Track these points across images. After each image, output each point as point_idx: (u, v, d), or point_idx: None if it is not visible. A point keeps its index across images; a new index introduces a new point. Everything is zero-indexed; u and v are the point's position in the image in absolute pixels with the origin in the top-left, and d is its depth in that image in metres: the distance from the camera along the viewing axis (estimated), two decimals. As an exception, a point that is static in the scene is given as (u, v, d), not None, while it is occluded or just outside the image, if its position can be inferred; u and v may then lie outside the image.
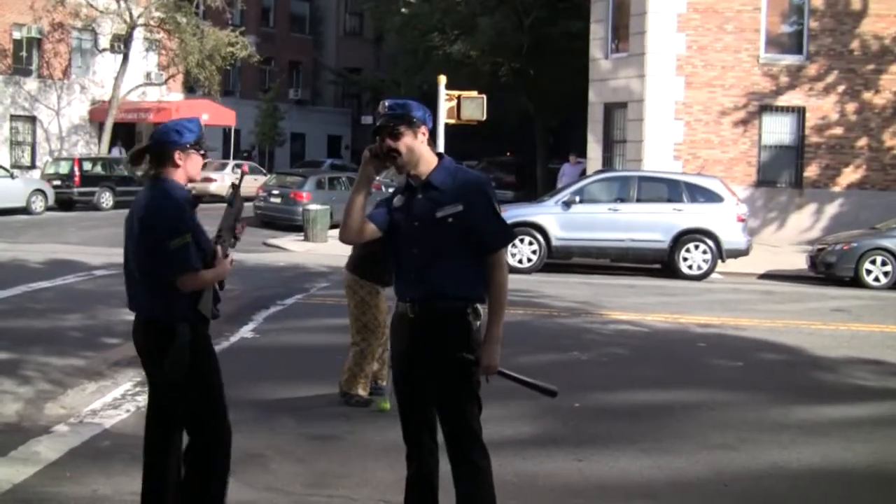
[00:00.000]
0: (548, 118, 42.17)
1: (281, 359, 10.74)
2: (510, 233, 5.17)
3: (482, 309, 4.97)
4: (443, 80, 22.99)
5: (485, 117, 23.72)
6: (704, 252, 20.41)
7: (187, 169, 5.31)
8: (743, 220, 20.94)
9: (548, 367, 10.26)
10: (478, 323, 4.95)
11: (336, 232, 23.73)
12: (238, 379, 9.55)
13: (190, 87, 46.12)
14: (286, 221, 28.52)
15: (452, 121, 23.32)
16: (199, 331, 5.26)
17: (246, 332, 12.15)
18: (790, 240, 27.41)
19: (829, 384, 10.41)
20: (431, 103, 48.32)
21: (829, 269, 20.37)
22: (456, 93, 23.30)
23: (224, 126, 44.73)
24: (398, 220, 5.07)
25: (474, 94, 23.64)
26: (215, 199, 37.80)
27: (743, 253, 20.84)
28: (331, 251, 23.02)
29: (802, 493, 7.08)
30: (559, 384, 5.35)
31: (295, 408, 8.69)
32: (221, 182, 38.98)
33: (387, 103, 5.07)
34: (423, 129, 5.03)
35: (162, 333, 5.15)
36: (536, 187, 40.98)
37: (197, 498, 5.31)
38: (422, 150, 5.02)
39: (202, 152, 5.40)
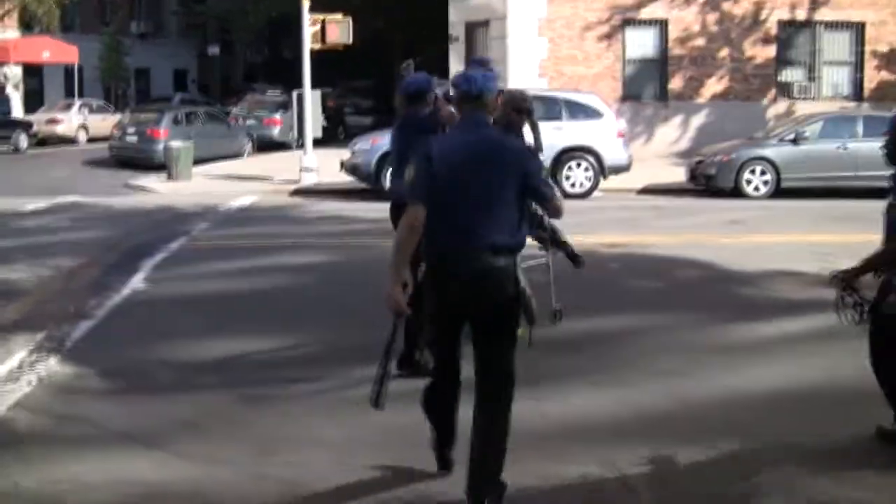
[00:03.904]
0: (403, 40, 41.37)
1: (185, 311, 9.89)
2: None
3: None
4: (307, 3, 22.11)
5: (351, 40, 22.97)
6: (587, 169, 20.15)
7: None
8: (623, 136, 20.76)
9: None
10: None
11: (203, 168, 22.76)
12: (144, 336, 8.86)
13: (27, 24, 43.63)
14: (144, 161, 27.23)
15: (318, 46, 22.48)
16: None
17: (137, 282, 11.26)
18: (658, 153, 27.40)
19: (756, 299, 10.19)
20: (287, 29, 47.30)
21: (709, 181, 20.36)
22: (320, 16, 22.44)
23: (66, 63, 42.59)
24: None
25: (339, 16, 22.82)
26: (63, 140, 36.17)
27: (625, 168, 20.66)
28: (198, 189, 22.08)
29: (770, 416, 6.79)
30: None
31: (217, 366, 7.95)
32: (68, 123, 37.31)
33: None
34: None
35: None
36: (394, 112, 40.32)
37: None
38: None
39: None
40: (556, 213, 5.50)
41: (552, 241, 8.95)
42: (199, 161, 24.96)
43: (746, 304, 9.88)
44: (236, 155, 29.88)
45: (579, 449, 6.14)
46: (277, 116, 33.79)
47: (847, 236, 14.36)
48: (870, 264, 5.93)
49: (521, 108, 8.43)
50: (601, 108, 20.72)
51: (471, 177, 5.12)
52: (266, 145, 32.16)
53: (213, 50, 50.91)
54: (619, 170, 20.57)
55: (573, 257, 9.43)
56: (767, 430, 6.52)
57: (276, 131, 33.43)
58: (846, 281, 5.94)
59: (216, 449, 6.16)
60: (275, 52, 57.91)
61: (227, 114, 33.58)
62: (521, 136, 8.16)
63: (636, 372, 7.78)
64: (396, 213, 6.92)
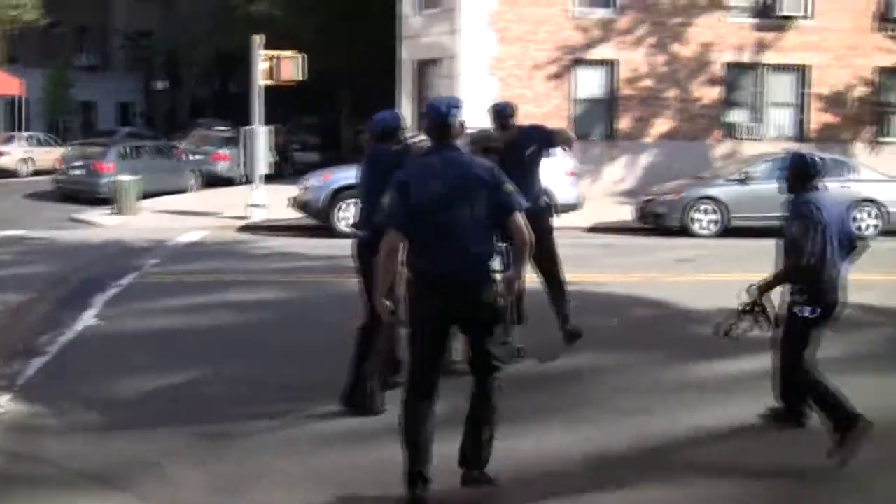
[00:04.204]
0: (352, 78, 41.33)
1: (139, 347, 9.73)
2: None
3: None
4: (257, 39, 22.06)
5: (305, 77, 22.93)
6: (537, 208, 20.15)
7: None
8: (574, 175, 20.84)
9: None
10: None
11: (149, 202, 22.41)
12: (99, 373, 8.71)
13: (-30, 56, 43.24)
14: (90, 194, 26.86)
15: (270, 82, 22.42)
16: None
17: (89, 318, 11.09)
18: (606, 191, 27.56)
19: (711, 338, 10.13)
20: (235, 64, 46.78)
21: (658, 220, 20.51)
22: (273, 52, 22.39)
23: (11, 95, 42.11)
24: None
25: (291, 53, 22.78)
26: (5, 173, 35.68)
27: (574, 207, 20.71)
28: (145, 224, 21.82)
29: (732, 454, 6.84)
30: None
31: (174, 403, 7.85)
32: (11, 155, 36.89)
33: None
34: None
35: None
36: (341, 148, 40.30)
37: None
38: None
39: None
40: (522, 241, 5.81)
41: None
42: (145, 195, 24.73)
43: (703, 343, 9.85)
44: (183, 190, 29.63)
45: (550, 489, 6.13)
46: (225, 152, 33.53)
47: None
48: (776, 280, 7.17)
49: (489, 147, 8.52)
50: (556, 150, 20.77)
51: (452, 198, 5.71)
52: (213, 181, 31.91)
53: (161, 84, 50.56)
54: (569, 208, 20.58)
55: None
56: (737, 467, 6.56)
57: (223, 167, 33.20)
58: (760, 294, 7.15)
59: (176, 489, 6.06)
60: (222, 87, 57.72)
61: (174, 148, 33.30)
62: None
63: (600, 410, 7.81)
64: (366, 252, 7.00)
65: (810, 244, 6.89)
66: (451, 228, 5.72)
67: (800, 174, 7.27)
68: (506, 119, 9.11)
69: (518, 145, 9.00)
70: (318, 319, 11.21)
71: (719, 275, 14.56)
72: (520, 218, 5.80)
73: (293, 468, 6.40)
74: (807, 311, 6.99)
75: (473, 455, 5.97)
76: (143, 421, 7.37)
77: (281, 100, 38.21)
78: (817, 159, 7.42)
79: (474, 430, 5.96)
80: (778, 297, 7.18)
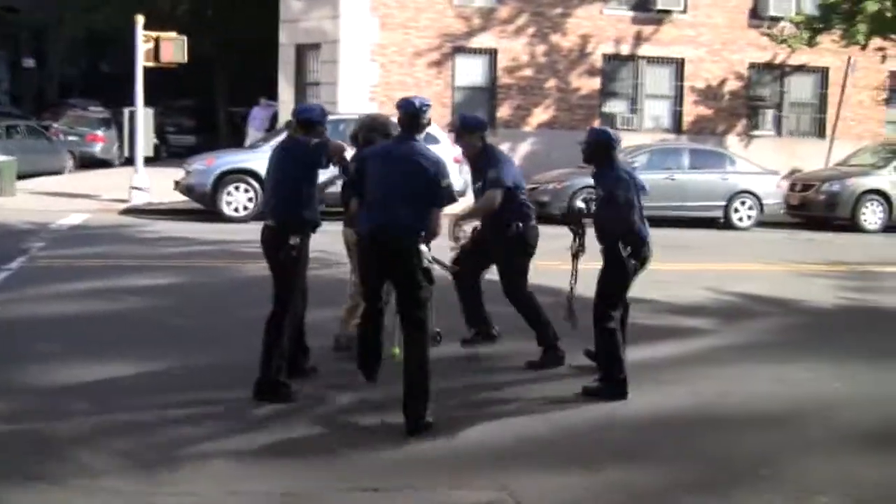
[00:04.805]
0: (229, 61, 40.82)
1: (42, 334, 9.46)
2: None
3: None
4: (140, 19, 21.66)
5: (186, 59, 22.64)
6: (424, 195, 20.24)
7: None
8: (459, 162, 20.95)
9: (332, 323, 9.53)
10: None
11: (24, 184, 21.66)
12: (4, 361, 8.48)
13: None
14: (-42, 176, 26.04)
15: (151, 64, 22.05)
16: None
17: (-17, 304, 10.81)
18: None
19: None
20: (106, 44, 45.51)
21: (542, 208, 20.73)
22: (154, 34, 22.02)
23: None
24: None
25: (174, 34, 22.46)
26: None
27: (461, 194, 20.85)
28: (23, 205, 21.20)
29: (651, 439, 7.06)
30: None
31: (86, 392, 7.65)
32: None
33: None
34: None
35: None
36: (218, 132, 39.78)
37: None
38: None
39: None
40: (429, 231, 7.12)
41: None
42: (19, 177, 24.04)
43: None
44: (58, 171, 28.88)
45: (471, 475, 6.23)
46: (100, 133, 32.82)
47: (681, 265, 15.00)
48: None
49: (388, 132, 8.55)
50: (438, 133, 20.90)
51: (398, 177, 6.98)
52: (88, 162, 31.23)
53: (28, 62, 48.88)
54: (458, 195, 20.75)
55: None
56: (643, 451, 6.79)
57: (98, 148, 32.44)
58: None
59: (99, 478, 5.96)
60: (92, 67, 56.29)
61: (46, 128, 32.44)
62: None
63: (515, 398, 7.93)
64: (273, 240, 7.64)
65: (634, 211, 7.96)
66: (388, 200, 6.98)
67: (604, 147, 8.10)
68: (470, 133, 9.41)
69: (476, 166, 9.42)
70: (222, 304, 11.16)
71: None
72: (436, 212, 7.04)
73: (218, 457, 6.33)
74: (631, 262, 8.02)
75: (409, 402, 6.90)
76: (58, 411, 7.18)
77: (155, 81, 37.58)
78: (614, 132, 8.42)
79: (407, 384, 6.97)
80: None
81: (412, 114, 7.10)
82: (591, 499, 5.95)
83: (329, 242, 9.72)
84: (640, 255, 8.07)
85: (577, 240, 8.55)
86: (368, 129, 8.48)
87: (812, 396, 8.31)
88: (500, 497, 5.86)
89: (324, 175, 8.05)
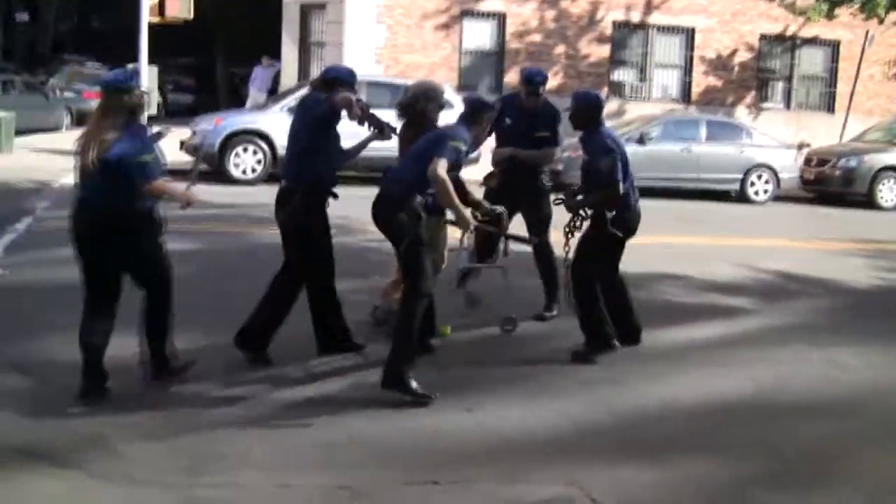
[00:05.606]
0: (232, 20, 40.10)
1: (56, 302, 8.77)
2: None
3: None
4: (145, -27, 21.07)
5: (192, 15, 22.10)
6: (436, 160, 19.79)
7: None
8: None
9: (358, 294, 9.08)
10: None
11: (23, 140, 20.98)
12: (19, 332, 7.99)
13: None
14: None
15: (157, 20, 21.49)
16: None
17: (-8, 266, 10.30)
18: (490, 145, 27.25)
19: (653, 304, 9.99)
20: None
21: (557, 177, 20.28)
22: (160, -12, 21.43)
23: None
24: None
25: (179, -10, 21.86)
26: None
27: (476, 161, 20.38)
28: (23, 163, 20.62)
29: (708, 427, 6.69)
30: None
31: (110, 367, 6.94)
32: None
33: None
34: None
35: None
36: (217, 91, 39.18)
37: None
38: None
39: None
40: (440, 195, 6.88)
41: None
42: (16, 133, 23.47)
43: (645, 310, 9.67)
44: (55, 128, 28.31)
45: (533, 467, 5.81)
46: (98, 90, 32.15)
47: (701, 238, 14.67)
48: (591, 204, 8.03)
49: (442, 103, 8.43)
50: (451, 97, 20.41)
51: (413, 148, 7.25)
52: (85, 119, 30.58)
53: (21, 16, 47.91)
54: (471, 162, 20.31)
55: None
56: (708, 441, 6.41)
57: (96, 105, 31.79)
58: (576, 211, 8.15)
59: (131, 466, 5.49)
60: (84, 22, 55.47)
61: (43, 84, 31.79)
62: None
63: (563, 379, 7.54)
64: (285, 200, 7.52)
65: (620, 175, 7.72)
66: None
67: (590, 110, 7.95)
68: (536, 87, 9.04)
69: (533, 120, 9.08)
70: (249, 270, 10.59)
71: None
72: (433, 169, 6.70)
73: (258, 444, 5.89)
74: (619, 233, 7.89)
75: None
76: (75, 387, 6.59)
77: (151, 38, 36.92)
78: (600, 95, 8.48)
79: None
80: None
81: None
82: (667, 495, 5.54)
83: (350, 208, 9.08)
84: (627, 223, 7.99)
85: (572, 220, 8.25)
86: (427, 100, 8.12)
87: (869, 384, 7.94)
88: (570, 492, 5.44)
89: (354, 140, 7.66)
